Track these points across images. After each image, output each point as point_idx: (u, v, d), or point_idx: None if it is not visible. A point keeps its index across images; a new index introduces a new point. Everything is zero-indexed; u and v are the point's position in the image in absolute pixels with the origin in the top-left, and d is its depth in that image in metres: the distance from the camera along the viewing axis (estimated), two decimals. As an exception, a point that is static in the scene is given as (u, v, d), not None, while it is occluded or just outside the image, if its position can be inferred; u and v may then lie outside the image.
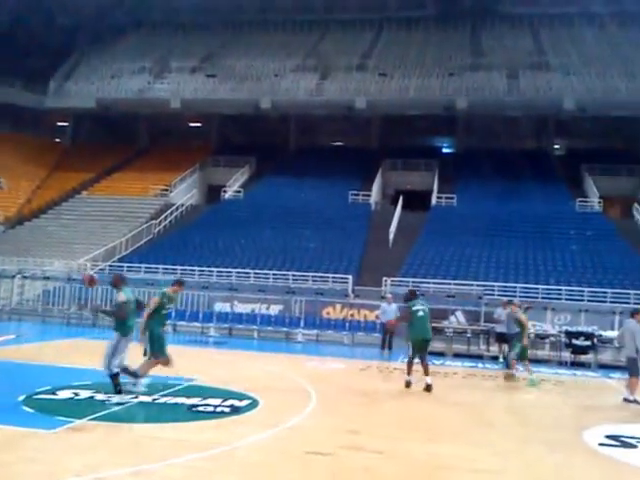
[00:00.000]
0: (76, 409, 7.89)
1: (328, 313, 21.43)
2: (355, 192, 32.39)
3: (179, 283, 10.18)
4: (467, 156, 35.92)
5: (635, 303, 18.52)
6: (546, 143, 37.76)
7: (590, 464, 6.89)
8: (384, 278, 22.79)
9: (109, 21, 43.94)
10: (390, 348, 17.87)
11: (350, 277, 23.33)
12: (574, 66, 34.93)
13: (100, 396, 8.61)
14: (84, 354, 13.28)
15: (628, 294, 20.62)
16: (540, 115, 35.40)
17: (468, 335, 18.47)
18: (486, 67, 36.14)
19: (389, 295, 19.20)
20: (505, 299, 16.74)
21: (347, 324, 20.84)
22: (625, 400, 11.14)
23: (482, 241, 26.56)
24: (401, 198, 31.82)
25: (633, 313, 12.06)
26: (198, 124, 41.39)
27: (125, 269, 24.59)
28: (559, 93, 32.96)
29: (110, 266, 25.43)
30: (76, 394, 8.80)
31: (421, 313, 11.33)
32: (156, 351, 9.23)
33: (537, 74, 34.85)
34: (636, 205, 30.66)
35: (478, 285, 22.20)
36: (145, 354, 9.32)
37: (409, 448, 6.97)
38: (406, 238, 27.10)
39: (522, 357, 13.06)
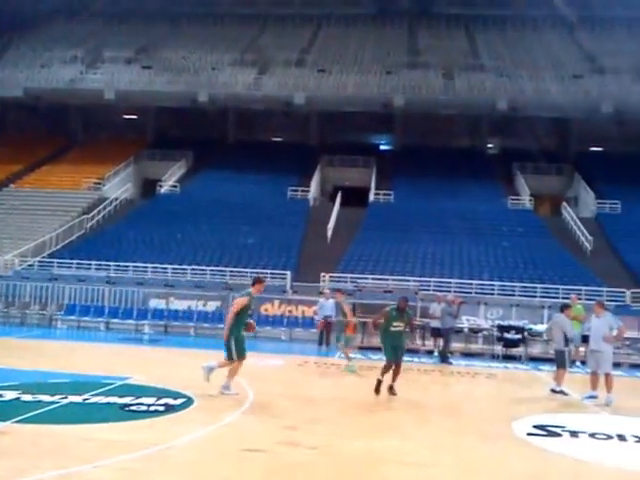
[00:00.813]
0: (0, 411, 7.55)
1: (266, 309, 21.34)
2: (294, 188, 32.37)
3: (260, 281, 9.66)
4: (404, 153, 36.44)
5: (564, 298, 19.16)
6: (480, 142, 38.70)
7: (518, 453, 7.09)
8: (322, 274, 22.87)
9: (40, 7, 42.36)
10: (328, 344, 17.95)
11: (288, 273, 23.30)
12: (507, 68, 35.94)
13: (27, 397, 8.28)
14: (10, 354, 12.76)
15: (557, 289, 21.38)
16: (475, 114, 36.24)
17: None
18: (423, 66, 36.76)
19: (327, 291, 19.29)
20: (440, 294, 17.07)
21: (285, 320, 20.81)
22: (552, 391, 11.53)
23: (418, 237, 27.01)
24: (339, 194, 32.02)
25: (563, 308, 12.52)
26: (133, 116, 40.42)
27: (55, 265, 23.83)
28: (493, 93, 33.83)
29: (40, 262, 24.58)
30: (1, 395, 8.44)
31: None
32: (241, 354, 9.24)
33: (472, 74, 35.69)
34: (564, 203, 31.85)
35: (415, 280, 22.58)
36: (229, 358, 9.24)
37: (344, 443, 6.99)
38: (344, 234, 27.28)
39: (347, 344, 13.31)
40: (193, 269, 23.50)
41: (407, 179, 33.28)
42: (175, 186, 33.72)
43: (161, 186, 33.44)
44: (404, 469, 6.16)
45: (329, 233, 27.59)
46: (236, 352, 9.25)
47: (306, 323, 20.49)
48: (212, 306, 21.26)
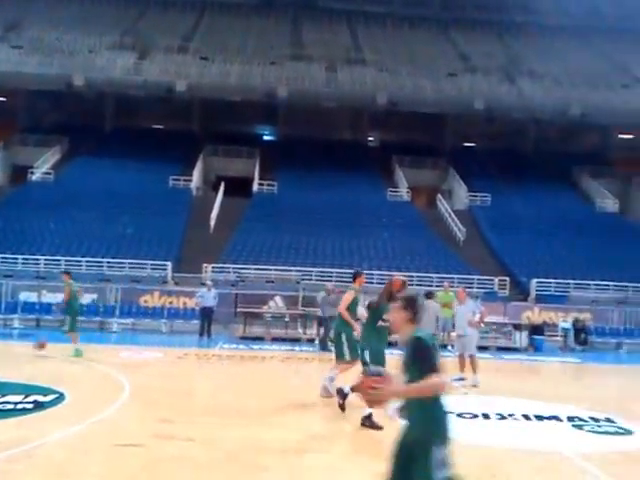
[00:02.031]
0: None
1: (146, 301, 20.85)
2: (175, 177, 31.70)
3: (360, 274, 9.15)
4: (288, 144, 36.68)
5: (438, 286, 20.10)
6: (362, 135, 39.69)
7: (392, 436, 7.39)
8: (204, 264, 22.63)
9: None
10: (209, 334, 17.85)
11: (169, 264, 22.86)
12: (387, 63, 37.01)
13: None
14: None
15: (432, 277, 22.43)
16: (356, 108, 37.07)
17: (286, 319, 18.95)
18: (306, 59, 37.09)
19: (209, 282, 19.16)
20: (329, 284, 17.33)
21: (165, 312, 20.43)
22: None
23: (301, 228, 27.33)
24: (222, 184, 31.74)
25: (428, 295, 13.29)
26: (2, 99, 37.84)
27: None
28: (373, 88, 34.73)
29: None
30: None
31: None
32: (354, 355, 8.41)
33: (354, 68, 36.45)
34: (439, 196, 33.42)
35: (297, 271, 22.87)
36: (341, 357, 8.68)
37: (223, 434, 7.00)
38: (227, 224, 27.11)
39: (72, 329, 13.30)
40: (67, 260, 22.45)
41: (290, 170, 33.55)
42: (48, 173, 31.99)
43: (33, 173, 31.59)
44: (283, 457, 6.25)
45: (212, 223, 27.32)
46: (349, 351, 8.61)
47: (187, 314, 20.22)
48: (88, 298, 20.39)
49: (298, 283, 21.68)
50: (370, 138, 40.27)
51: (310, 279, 22.27)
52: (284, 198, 30.45)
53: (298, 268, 23.06)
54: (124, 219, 26.69)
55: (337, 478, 5.70)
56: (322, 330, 16.63)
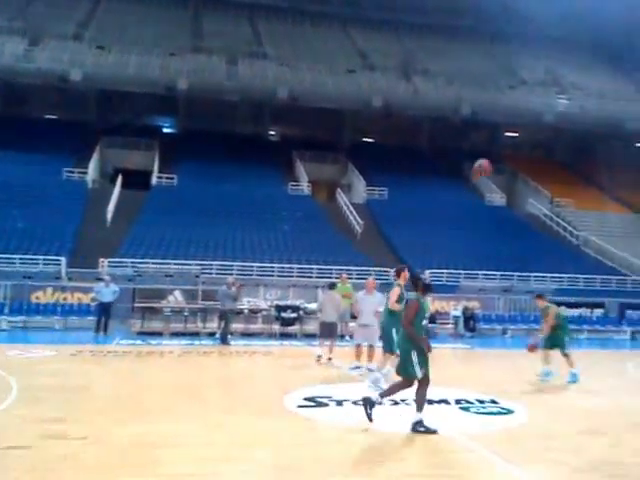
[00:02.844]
0: None
1: (38, 298, 20.01)
2: (70, 169, 30.49)
3: (403, 270, 9.83)
4: (188, 137, 36.12)
5: (336, 278, 20.49)
6: (263, 129, 39.70)
7: (288, 425, 7.56)
8: (101, 259, 22.00)
9: None
10: (105, 330, 17.43)
11: (63, 259, 22.04)
12: (288, 58, 37.19)
13: None
14: None
15: (331, 270, 22.88)
16: (257, 101, 37.03)
17: (186, 314, 18.79)
18: (207, 51, 36.62)
19: (107, 277, 18.66)
20: (230, 278, 17.30)
21: (59, 308, 19.71)
22: (329, 359, 12.57)
23: (201, 221, 27.08)
24: (120, 177, 30.86)
25: (331, 286, 13.71)
26: None
27: None
28: (274, 82, 34.80)
29: None
30: None
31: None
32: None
33: (255, 62, 36.36)
34: (339, 190, 34.08)
35: (197, 264, 22.68)
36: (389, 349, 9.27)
37: (115, 431, 6.90)
38: (125, 218, 26.44)
39: None
40: (-49, 257, 21.19)
41: (191, 163, 33.09)
42: None
43: None
44: (177, 451, 6.24)
45: (109, 217, 26.55)
46: (396, 344, 8.69)
47: (82, 311, 19.62)
48: (-24, 297, 19.39)
49: (197, 277, 21.52)
50: (271, 132, 40.36)
51: (210, 273, 22.16)
52: (184, 191, 30.01)
53: (198, 262, 22.88)
54: (14, 213, 25.39)
55: (230, 469, 5.81)
56: (223, 324, 16.63)
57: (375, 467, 6.02)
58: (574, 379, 11.24)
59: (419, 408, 7.38)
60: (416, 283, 7.76)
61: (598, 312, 23.45)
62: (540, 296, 12.17)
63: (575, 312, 22.78)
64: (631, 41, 39.85)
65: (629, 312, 23.41)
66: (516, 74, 40.13)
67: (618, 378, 12.72)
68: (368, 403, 7.35)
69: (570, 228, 33.00)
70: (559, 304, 22.54)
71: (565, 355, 11.50)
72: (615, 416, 8.80)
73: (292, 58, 37.16)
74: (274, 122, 39.70)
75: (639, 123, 38.59)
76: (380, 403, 7.51)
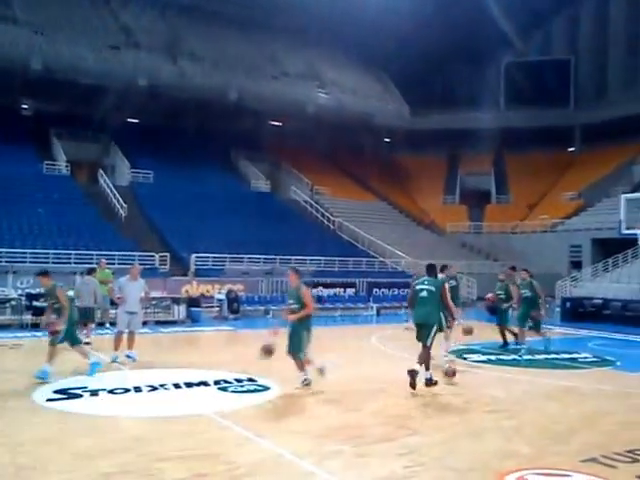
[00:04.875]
0: None
1: None
2: None
3: (447, 266, 12.04)
4: None
5: (96, 263, 19.66)
6: (14, 102, 36.16)
7: (37, 419, 7.26)
8: None
9: None
10: None
11: None
12: (43, 26, 34.20)
13: None
14: None
15: (92, 255, 21.78)
16: (6, 71, 33.55)
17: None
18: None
19: None
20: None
21: None
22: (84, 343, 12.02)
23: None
24: None
25: (89, 271, 13.24)
26: None
27: None
28: (26, 51, 31.85)
29: None
30: None
31: (424, 293, 9.43)
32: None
33: (3, 27, 32.89)
34: (101, 171, 32.52)
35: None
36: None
37: None
38: None
39: None
40: None
41: None
42: None
43: None
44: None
45: None
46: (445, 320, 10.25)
47: None
48: None
49: None
50: (24, 106, 36.94)
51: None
52: None
53: None
54: None
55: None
56: None
57: (124, 454, 6.04)
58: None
59: (427, 367, 9.27)
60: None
61: (350, 291, 25.62)
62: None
63: (331, 291, 24.67)
64: (380, 43, 43.53)
65: (375, 290, 25.92)
66: (280, 65, 41.60)
67: (362, 351, 14.11)
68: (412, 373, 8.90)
69: (327, 214, 35.38)
70: (317, 285, 24.65)
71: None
72: (357, 384, 9.81)
73: (48, 27, 34.27)
74: (27, 95, 36.32)
75: (386, 119, 42.66)
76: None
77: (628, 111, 39.48)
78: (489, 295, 15.00)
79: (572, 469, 5.77)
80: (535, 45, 49.37)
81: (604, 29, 44.56)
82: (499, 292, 14.07)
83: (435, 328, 9.29)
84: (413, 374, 8.87)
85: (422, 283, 9.54)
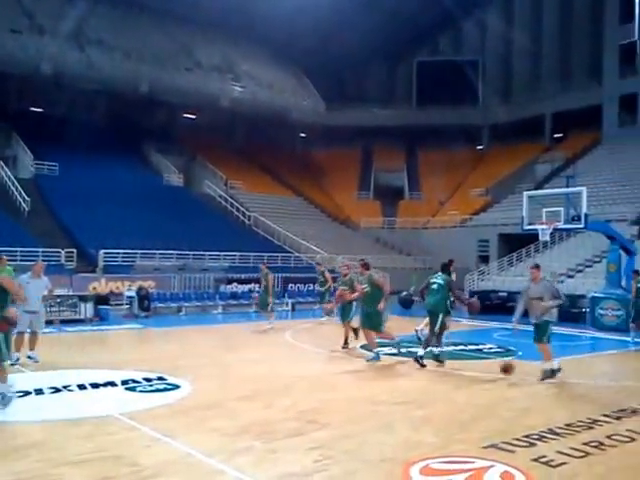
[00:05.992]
0: None
1: None
2: None
3: (452, 261, 12.65)
4: None
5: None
6: None
7: None
8: None
9: None
10: None
11: None
12: None
13: None
14: None
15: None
16: None
17: None
18: None
19: None
20: None
21: None
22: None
23: None
24: None
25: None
26: None
27: None
28: None
29: None
30: None
31: (435, 286, 11.23)
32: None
33: None
34: (1, 163, 30.81)
35: None
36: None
37: None
38: None
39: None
40: None
41: None
42: None
43: None
44: None
45: None
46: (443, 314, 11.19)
47: None
48: None
49: None
50: None
51: None
52: None
53: None
54: None
55: None
56: None
57: (20, 462, 5.73)
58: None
59: (425, 346, 11.00)
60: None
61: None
62: None
63: (245, 287, 24.43)
64: (298, 40, 43.49)
65: (291, 286, 25.91)
66: (194, 56, 40.82)
67: (278, 347, 14.07)
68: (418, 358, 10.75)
69: (242, 209, 35.08)
70: (231, 281, 24.38)
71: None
72: (270, 381, 9.77)
73: None
74: None
75: (302, 114, 42.77)
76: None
77: (532, 112, 41.39)
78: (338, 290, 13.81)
79: (475, 456, 5.97)
80: (447, 45, 50.86)
81: (509, 33, 46.43)
82: (343, 287, 13.31)
83: (441, 316, 10.95)
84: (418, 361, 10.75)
85: (435, 277, 11.33)
